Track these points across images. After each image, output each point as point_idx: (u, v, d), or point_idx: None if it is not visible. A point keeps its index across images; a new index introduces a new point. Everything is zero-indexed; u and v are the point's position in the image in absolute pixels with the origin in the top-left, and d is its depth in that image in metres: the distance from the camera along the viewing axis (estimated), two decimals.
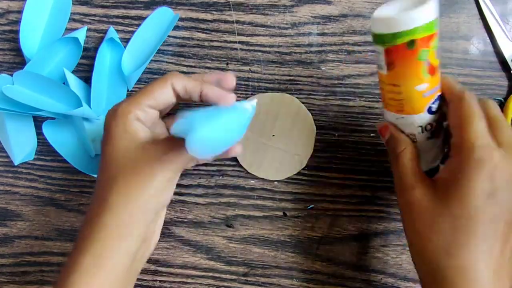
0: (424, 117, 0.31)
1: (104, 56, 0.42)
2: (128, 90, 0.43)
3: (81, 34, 0.42)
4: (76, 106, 0.40)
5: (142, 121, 0.31)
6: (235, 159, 0.42)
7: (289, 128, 0.42)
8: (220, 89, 0.32)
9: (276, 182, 0.42)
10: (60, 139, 0.41)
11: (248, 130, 0.41)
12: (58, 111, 0.40)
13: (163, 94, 0.31)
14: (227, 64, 0.42)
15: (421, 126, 0.32)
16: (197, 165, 0.43)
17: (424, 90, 0.30)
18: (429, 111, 0.31)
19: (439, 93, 0.31)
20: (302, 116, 0.42)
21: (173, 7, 0.42)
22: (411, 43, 0.28)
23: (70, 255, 0.30)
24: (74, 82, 0.41)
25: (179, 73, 0.32)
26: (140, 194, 0.29)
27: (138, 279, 0.43)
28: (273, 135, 0.42)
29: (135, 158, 0.30)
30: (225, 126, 0.29)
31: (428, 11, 0.27)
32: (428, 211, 0.29)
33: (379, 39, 0.30)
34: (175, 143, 0.30)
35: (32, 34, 0.42)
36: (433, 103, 0.31)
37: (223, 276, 0.43)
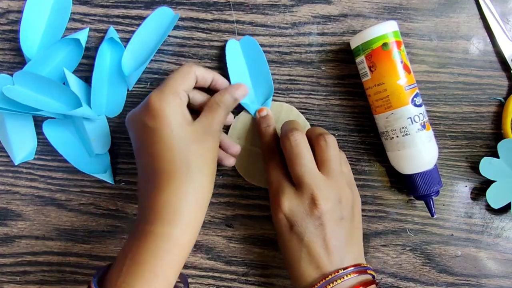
0: (410, 109, 0.37)
1: (104, 56, 0.42)
2: (128, 90, 0.43)
3: (82, 35, 0.42)
4: (76, 106, 0.40)
5: (183, 101, 0.35)
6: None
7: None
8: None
9: None
10: (61, 139, 0.42)
11: (244, 138, 0.41)
12: (58, 111, 0.40)
13: (191, 80, 0.36)
14: (224, 59, 0.42)
15: (410, 118, 0.37)
16: None
17: (405, 84, 0.37)
18: (414, 103, 0.37)
19: (417, 90, 0.38)
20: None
21: (173, 7, 0.42)
22: (385, 45, 0.36)
23: (144, 228, 0.32)
24: (74, 82, 0.41)
25: (195, 64, 0.37)
26: (209, 160, 0.34)
27: None
28: None
29: (194, 131, 0.33)
30: None
31: (390, 24, 0.37)
32: None
33: (359, 50, 0.38)
34: (206, 113, 0.35)
35: (32, 34, 0.42)
36: (415, 96, 0.37)
37: (223, 276, 0.43)
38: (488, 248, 0.42)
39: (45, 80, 0.39)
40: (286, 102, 0.42)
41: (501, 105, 0.41)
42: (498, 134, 0.42)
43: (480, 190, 0.42)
